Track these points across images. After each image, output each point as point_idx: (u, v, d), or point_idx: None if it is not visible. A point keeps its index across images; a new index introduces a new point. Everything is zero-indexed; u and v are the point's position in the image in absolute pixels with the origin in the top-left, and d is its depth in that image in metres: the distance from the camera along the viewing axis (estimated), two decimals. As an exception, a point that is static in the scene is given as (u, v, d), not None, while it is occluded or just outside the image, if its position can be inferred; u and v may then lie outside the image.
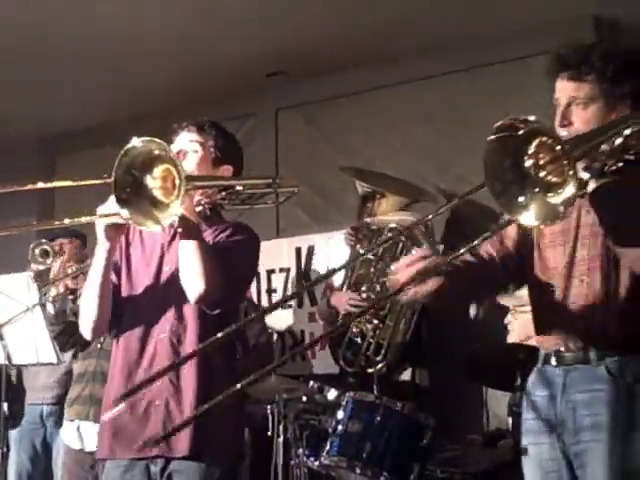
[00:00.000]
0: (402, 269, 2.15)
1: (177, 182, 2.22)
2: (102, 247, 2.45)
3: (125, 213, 2.25)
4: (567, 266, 2.18)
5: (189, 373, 2.42)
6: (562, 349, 2.16)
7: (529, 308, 3.74)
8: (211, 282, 2.35)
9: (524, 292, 3.65)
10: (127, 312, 2.54)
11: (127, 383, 2.46)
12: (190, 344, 2.44)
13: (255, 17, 4.47)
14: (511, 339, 3.65)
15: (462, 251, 1.98)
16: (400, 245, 3.84)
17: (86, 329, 2.56)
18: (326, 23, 4.52)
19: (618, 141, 1.98)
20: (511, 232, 2.31)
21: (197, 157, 2.60)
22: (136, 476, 2.43)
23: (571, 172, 1.77)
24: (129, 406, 2.44)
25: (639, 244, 1.99)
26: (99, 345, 3.71)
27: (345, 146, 5.01)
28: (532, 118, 1.80)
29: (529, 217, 1.83)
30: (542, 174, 1.86)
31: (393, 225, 3.82)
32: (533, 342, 3.72)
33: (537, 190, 1.84)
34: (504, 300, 3.79)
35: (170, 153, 2.25)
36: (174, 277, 2.46)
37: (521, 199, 1.84)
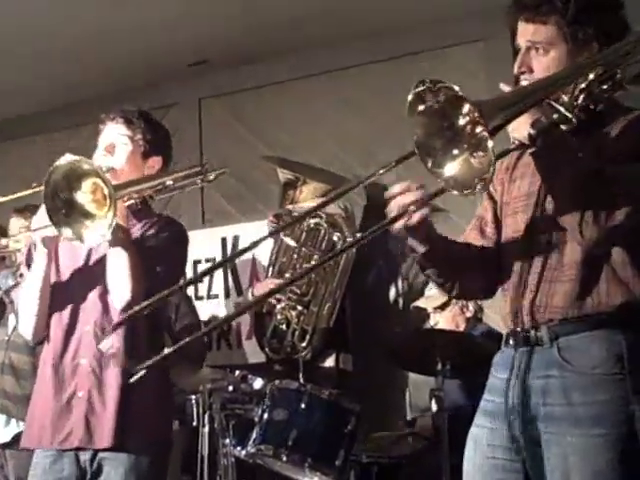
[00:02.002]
0: (394, 197, 1.91)
1: (106, 193, 2.27)
2: (41, 253, 2.48)
3: (64, 233, 2.32)
4: (528, 237, 1.99)
5: (112, 364, 2.44)
6: (518, 329, 1.97)
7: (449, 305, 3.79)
8: (137, 290, 2.39)
9: (435, 292, 3.74)
10: (54, 304, 2.54)
11: (55, 376, 2.48)
12: (115, 336, 2.45)
13: (177, 6, 4.44)
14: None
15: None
16: (322, 231, 3.88)
17: (28, 331, 2.57)
18: (248, 13, 4.50)
19: (581, 86, 1.83)
20: (487, 216, 2.14)
21: (126, 151, 2.59)
22: (66, 466, 2.44)
23: (485, 133, 1.64)
24: (53, 396, 2.46)
25: (574, 211, 1.80)
26: (6, 337, 3.65)
27: (269, 136, 5.01)
28: (456, 87, 1.66)
29: (457, 180, 1.73)
30: (471, 133, 1.72)
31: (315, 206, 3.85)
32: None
33: (464, 149, 1.73)
34: (420, 302, 3.87)
35: (94, 168, 2.28)
36: (100, 271, 2.47)
37: (450, 157, 1.74)
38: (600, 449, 1.79)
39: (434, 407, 3.25)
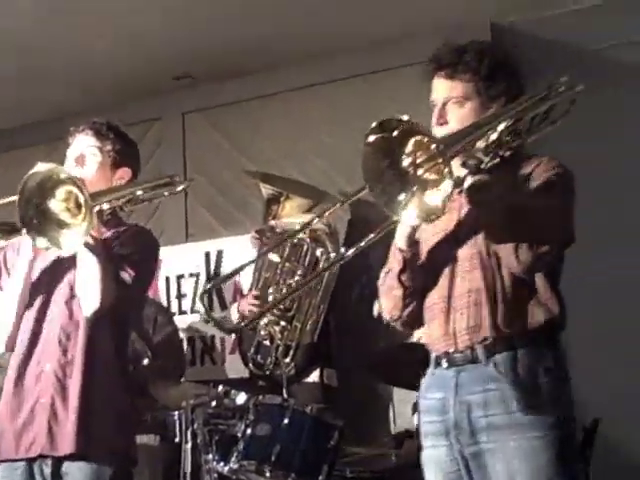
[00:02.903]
0: None
1: (82, 202, 2.29)
2: (25, 258, 2.51)
3: (39, 242, 2.34)
4: (450, 266, 2.19)
5: (76, 371, 2.45)
6: (451, 350, 2.16)
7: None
8: (106, 299, 2.40)
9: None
10: (23, 308, 2.55)
11: (18, 384, 2.49)
12: (80, 342, 2.48)
13: (162, 20, 4.44)
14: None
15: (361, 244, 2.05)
16: (305, 247, 3.89)
17: (3, 338, 2.57)
18: (232, 27, 4.52)
19: (493, 137, 2.05)
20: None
21: (96, 162, 2.63)
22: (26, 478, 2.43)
23: (446, 169, 1.82)
24: (16, 405, 2.46)
25: (511, 240, 2.01)
26: None
27: (252, 150, 5.01)
28: (406, 118, 1.85)
29: (410, 215, 1.90)
30: (419, 172, 1.92)
31: (297, 227, 3.86)
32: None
33: (415, 188, 1.90)
34: None
35: (71, 176, 2.30)
36: (67, 276, 2.48)
37: (401, 198, 1.90)
38: (539, 450, 2.01)
39: (416, 421, 3.25)
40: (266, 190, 4.10)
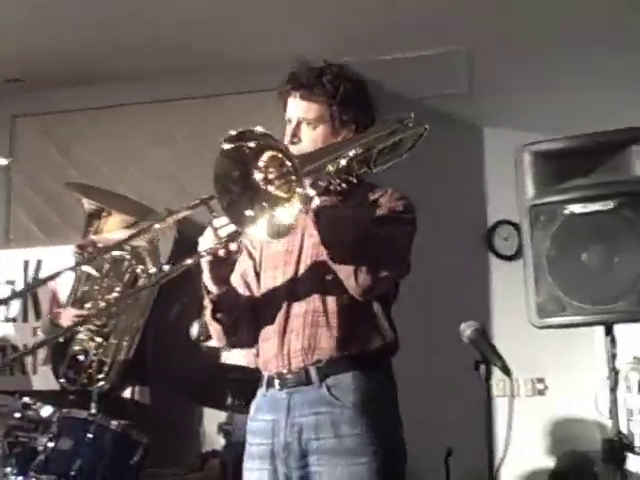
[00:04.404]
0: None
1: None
2: None
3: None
4: (288, 288, 2.17)
5: None
6: (284, 371, 2.14)
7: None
8: None
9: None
10: None
11: None
12: None
13: (-3, 20, 4.33)
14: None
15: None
16: (126, 263, 3.89)
17: None
18: (69, 36, 4.46)
19: (343, 162, 2.05)
20: (249, 272, 2.29)
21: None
22: None
23: (299, 188, 1.80)
24: None
25: (352, 263, 2.00)
26: None
27: (81, 162, 4.95)
28: (262, 131, 1.81)
29: (259, 231, 1.84)
30: (271, 188, 1.87)
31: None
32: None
33: (265, 204, 1.86)
34: (211, 342, 3.93)
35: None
36: None
37: (249, 212, 1.85)
38: (365, 475, 2.02)
39: (222, 441, 3.32)
40: (89, 204, 4.05)
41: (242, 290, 2.28)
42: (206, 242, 2.03)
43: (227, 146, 1.84)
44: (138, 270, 3.91)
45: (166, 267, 4.11)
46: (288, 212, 1.82)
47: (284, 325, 2.16)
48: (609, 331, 2.90)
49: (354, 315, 2.12)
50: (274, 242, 2.00)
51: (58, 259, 4.69)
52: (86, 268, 3.88)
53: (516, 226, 4.65)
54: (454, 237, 5.07)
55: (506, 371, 2.09)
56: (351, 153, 2.07)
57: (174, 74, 4.74)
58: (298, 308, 2.15)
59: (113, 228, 3.98)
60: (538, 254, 3.00)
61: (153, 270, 3.88)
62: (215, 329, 2.25)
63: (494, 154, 5.39)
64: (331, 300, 2.12)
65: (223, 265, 2.07)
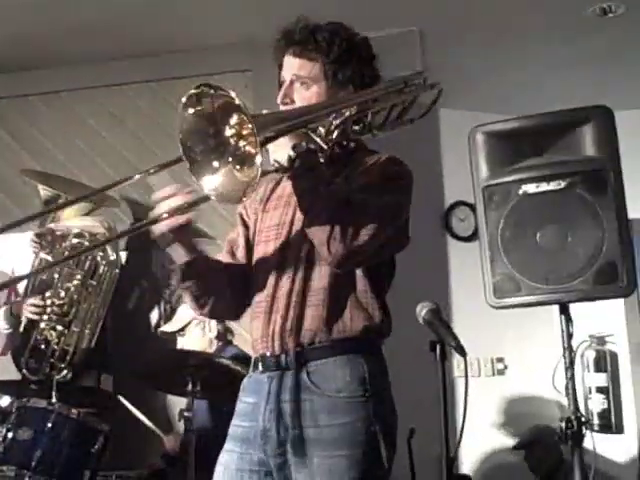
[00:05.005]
0: (162, 200, 1.95)
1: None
2: None
3: None
4: (277, 263, 2.06)
5: None
6: (268, 354, 2.03)
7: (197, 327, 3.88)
8: None
9: (181, 315, 3.85)
10: None
11: None
12: None
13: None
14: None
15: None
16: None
17: None
18: (19, 20, 4.38)
19: (336, 122, 1.92)
20: (240, 240, 2.22)
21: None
22: None
23: (256, 149, 1.70)
24: None
25: (322, 231, 1.87)
26: None
27: (36, 147, 4.87)
28: (233, 94, 1.71)
29: (212, 183, 1.77)
30: (238, 145, 1.78)
31: (77, 231, 3.86)
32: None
33: (229, 160, 1.78)
34: (165, 327, 3.95)
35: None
36: None
37: (215, 164, 1.78)
38: (344, 469, 1.90)
39: (182, 427, 3.32)
40: (45, 192, 4.01)
41: (226, 258, 2.20)
42: (162, 206, 1.96)
43: (193, 91, 1.75)
44: (98, 258, 3.90)
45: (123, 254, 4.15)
46: (247, 173, 1.75)
47: (271, 304, 2.05)
48: (564, 310, 2.95)
49: (342, 295, 2.00)
50: (226, 201, 1.86)
51: (14, 247, 4.63)
52: (45, 256, 3.86)
53: (472, 207, 4.69)
54: (411, 218, 5.08)
55: (461, 351, 2.02)
56: (346, 113, 1.93)
57: (127, 57, 4.69)
58: (285, 287, 2.03)
59: (71, 215, 3.96)
60: (493, 234, 3.04)
61: (113, 257, 3.87)
62: (187, 299, 2.17)
63: (450, 135, 5.43)
64: (315, 278, 2.00)
65: (183, 230, 2.00)
